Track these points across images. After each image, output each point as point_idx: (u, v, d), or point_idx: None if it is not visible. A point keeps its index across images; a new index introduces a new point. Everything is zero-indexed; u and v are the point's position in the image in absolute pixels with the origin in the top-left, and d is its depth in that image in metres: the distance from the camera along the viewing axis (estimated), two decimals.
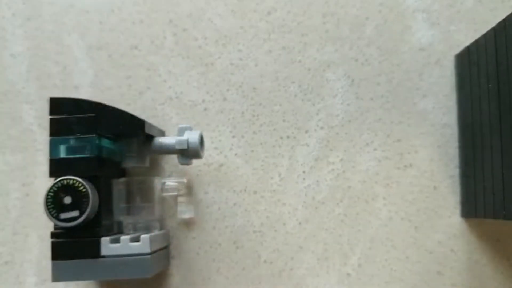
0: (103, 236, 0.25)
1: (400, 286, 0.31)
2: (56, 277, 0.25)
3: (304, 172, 0.32)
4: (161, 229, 0.30)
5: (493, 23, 0.27)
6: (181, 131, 0.29)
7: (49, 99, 0.26)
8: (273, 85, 0.32)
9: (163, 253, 0.29)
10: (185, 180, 0.31)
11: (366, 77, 0.32)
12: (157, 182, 0.30)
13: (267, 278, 0.31)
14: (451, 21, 0.32)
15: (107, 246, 0.25)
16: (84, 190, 0.25)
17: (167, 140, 0.29)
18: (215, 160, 0.32)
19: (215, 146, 0.32)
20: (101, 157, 0.26)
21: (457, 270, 0.31)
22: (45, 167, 0.31)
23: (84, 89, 0.32)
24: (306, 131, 0.32)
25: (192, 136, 0.28)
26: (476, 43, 0.29)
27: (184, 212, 0.30)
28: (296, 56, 0.32)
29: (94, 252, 0.25)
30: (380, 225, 0.31)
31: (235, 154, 0.32)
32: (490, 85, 0.27)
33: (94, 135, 0.26)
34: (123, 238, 0.25)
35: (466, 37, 0.32)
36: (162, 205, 0.31)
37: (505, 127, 0.25)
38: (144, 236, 0.26)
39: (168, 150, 0.28)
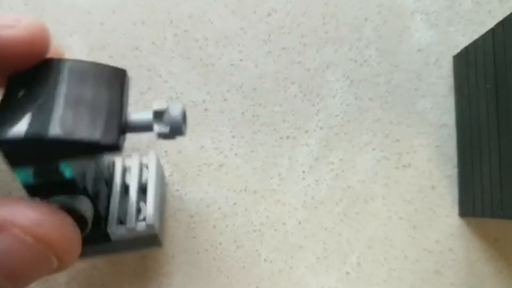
0: (107, 224, 0.26)
1: (398, 284, 0.31)
2: None
3: (303, 172, 0.32)
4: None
5: (491, 24, 0.27)
6: (157, 115, 0.22)
7: None
8: (273, 85, 0.32)
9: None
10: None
11: (365, 78, 0.32)
12: None
13: (267, 276, 0.31)
14: (450, 22, 0.32)
15: (115, 232, 0.26)
16: (78, 214, 0.22)
17: (142, 116, 0.21)
18: (215, 160, 0.32)
19: (215, 146, 0.32)
20: (76, 175, 0.22)
21: (455, 269, 0.31)
22: None
23: None
24: (306, 131, 0.32)
25: (174, 112, 0.21)
26: (474, 44, 0.29)
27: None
28: (296, 57, 0.32)
29: (104, 238, 0.26)
30: (379, 224, 0.31)
31: (235, 154, 0.32)
32: (488, 86, 0.27)
33: (58, 163, 0.21)
34: (129, 220, 0.26)
35: (464, 38, 0.32)
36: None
37: (503, 127, 0.25)
38: (149, 213, 0.26)
39: (146, 129, 0.22)
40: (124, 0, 0.33)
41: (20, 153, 0.19)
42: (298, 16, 0.32)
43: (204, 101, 0.32)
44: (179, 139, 0.32)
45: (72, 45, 0.33)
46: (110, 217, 0.26)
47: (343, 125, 0.32)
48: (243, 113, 0.32)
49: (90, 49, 0.33)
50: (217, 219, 0.32)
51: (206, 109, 0.32)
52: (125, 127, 0.21)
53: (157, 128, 0.21)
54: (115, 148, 0.19)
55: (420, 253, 0.31)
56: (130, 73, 0.32)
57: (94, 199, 0.24)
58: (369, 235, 0.31)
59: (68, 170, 0.21)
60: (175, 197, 0.32)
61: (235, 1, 0.32)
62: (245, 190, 0.32)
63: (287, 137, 0.32)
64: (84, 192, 0.23)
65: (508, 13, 0.26)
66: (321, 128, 0.32)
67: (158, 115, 0.21)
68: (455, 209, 0.31)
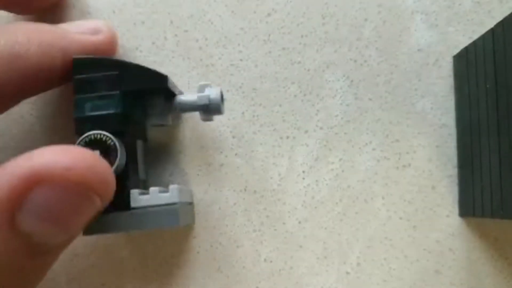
0: (131, 189, 0.26)
1: (398, 284, 0.31)
2: (87, 231, 0.25)
3: (303, 172, 0.32)
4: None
5: (491, 24, 0.27)
6: (201, 88, 0.29)
7: (72, 59, 0.26)
8: (273, 85, 0.32)
9: (190, 208, 0.30)
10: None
11: (365, 78, 0.32)
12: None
13: (267, 276, 0.31)
14: (450, 22, 0.32)
15: (137, 198, 0.26)
16: (112, 143, 0.25)
17: (189, 96, 0.29)
18: (215, 160, 0.32)
19: (215, 146, 0.32)
20: (126, 113, 0.26)
21: (456, 269, 0.31)
22: None
23: None
24: (306, 131, 0.32)
25: (213, 92, 0.28)
26: (474, 44, 0.29)
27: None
28: (296, 57, 0.32)
29: (123, 204, 0.25)
30: (379, 224, 0.31)
31: (235, 154, 0.32)
32: (488, 86, 0.27)
33: (118, 92, 0.26)
34: (152, 189, 0.26)
35: (464, 38, 0.32)
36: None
37: (503, 127, 0.25)
38: (173, 186, 0.26)
39: (190, 107, 0.29)
40: (124, 0, 0.33)
41: (91, 76, 0.26)
42: (298, 16, 0.32)
43: None
44: (178, 137, 0.32)
45: None
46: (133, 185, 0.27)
47: (343, 125, 0.32)
48: (243, 113, 0.32)
49: None
50: (217, 219, 0.32)
51: None
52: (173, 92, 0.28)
53: (200, 101, 0.28)
54: (165, 83, 0.27)
55: (420, 253, 0.31)
56: None
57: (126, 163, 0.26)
58: (369, 235, 0.31)
59: (120, 105, 0.26)
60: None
61: (235, 1, 0.33)
62: (245, 190, 0.32)
63: (287, 137, 0.32)
64: (121, 134, 0.26)
65: (508, 13, 0.26)
66: (321, 128, 0.32)
67: (202, 88, 0.29)
68: (455, 209, 0.31)
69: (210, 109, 0.29)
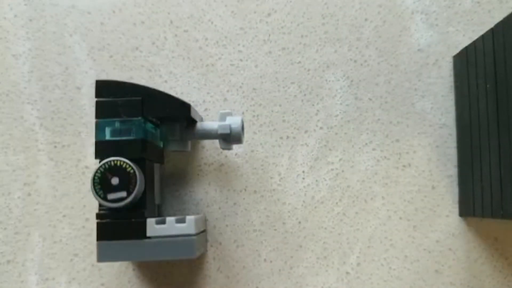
0: (148, 217, 0.26)
1: (398, 284, 0.31)
2: (101, 258, 0.25)
3: (303, 171, 0.32)
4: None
5: (491, 24, 0.27)
6: (222, 117, 0.29)
7: (95, 81, 0.26)
8: (273, 85, 0.32)
9: (203, 236, 0.30)
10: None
11: (364, 78, 0.32)
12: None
13: (267, 276, 0.31)
14: (449, 22, 0.32)
15: (153, 227, 0.25)
16: (131, 171, 0.25)
17: (210, 125, 0.29)
18: (216, 160, 0.32)
19: (215, 146, 0.32)
20: (146, 140, 0.26)
21: (455, 269, 0.31)
22: (46, 166, 0.32)
23: (86, 90, 0.32)
24: (306, 131, 0.32)
25: (234, 121, 0.28)
26: (474, 44, 0.29)
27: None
28: (296, 57, 0.32)
29: (139, 233, 0.25)
30: (379, 224, 0.31)
31: (235, 154, 0.32)
32: (488, 86, 0.27)
33: (140, 118, 0.26)
34: (169, 219, 0.26)
35: (464, 38, 0.32)
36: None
37: (503, 127, 0.25)
38: (190, 218, 0.26)
39: (210, 135, 0.29)
40: (124, 0, 0.33)
41: (113, 100, 0.25)
42: (298, 16, 0.32)
43: (204, 101, 0.32)
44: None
45: (72, 45, 0.33)
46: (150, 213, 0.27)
47: (343, 125, 0.32)
48: (243, 113, 0.32)
49: (90, 49, 0.33)
50: (217, 219, 0.32)
51: (206, 109, 0.32)
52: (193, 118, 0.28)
53: (221, 130, 0.28)
54: (188, 112, 0.26)
55: (420, 252, 0.31)
56: (130, 74, 0.33)
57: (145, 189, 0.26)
58: (369, 235, 0.31)
59: (142, 131, 0.26)
60: (175, 197, 0.32)
61: (235, 1, 0.33)
62: (245, 190, 0.32)
63: (287, 137, 0.32)
64: (142, 163, 0.26)
65: (508, 13, 0.26)
66: (320, 128, 0.32)
67: (223, 116, 0.29)
68: (455, 209, 0.31)
69: (230, 139, 0.28)
